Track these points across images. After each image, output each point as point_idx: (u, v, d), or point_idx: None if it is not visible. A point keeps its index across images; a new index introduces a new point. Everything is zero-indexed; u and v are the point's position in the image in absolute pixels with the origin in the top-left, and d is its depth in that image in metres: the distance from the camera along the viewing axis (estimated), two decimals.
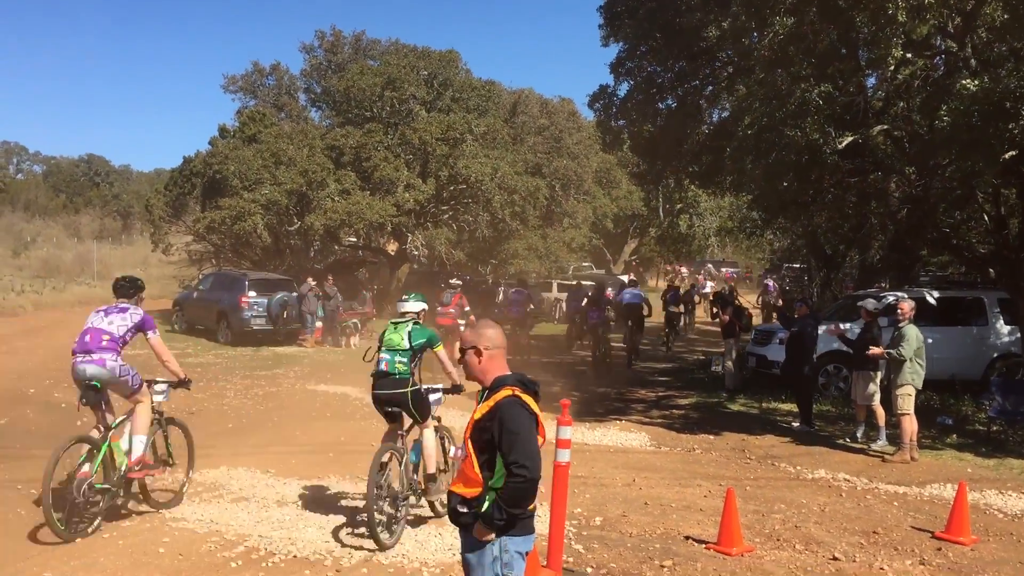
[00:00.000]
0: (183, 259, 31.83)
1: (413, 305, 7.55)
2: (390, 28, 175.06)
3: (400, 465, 7.15)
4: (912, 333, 10.61)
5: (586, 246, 42.63)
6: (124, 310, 7.28)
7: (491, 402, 3.85)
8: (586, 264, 46.38)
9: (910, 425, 10.47)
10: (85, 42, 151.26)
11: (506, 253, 33.25)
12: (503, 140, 28.99)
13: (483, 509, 3.78)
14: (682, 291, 26.43)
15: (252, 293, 21.07)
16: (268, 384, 15.25)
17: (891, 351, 10.68)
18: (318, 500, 8.03)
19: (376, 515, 6.60)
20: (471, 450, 3.86)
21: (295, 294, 21.39)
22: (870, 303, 11.79)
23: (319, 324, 21.43)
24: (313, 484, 8.60)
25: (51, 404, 12.64)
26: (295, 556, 6.49)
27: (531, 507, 3.85)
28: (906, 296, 12.07)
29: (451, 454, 7.27)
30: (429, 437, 7.38)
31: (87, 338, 7.03)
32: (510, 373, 4.00)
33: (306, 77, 36.05)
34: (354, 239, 30.11)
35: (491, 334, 4.06)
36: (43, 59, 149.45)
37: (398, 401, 7.27)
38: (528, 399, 3.86)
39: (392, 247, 30.75)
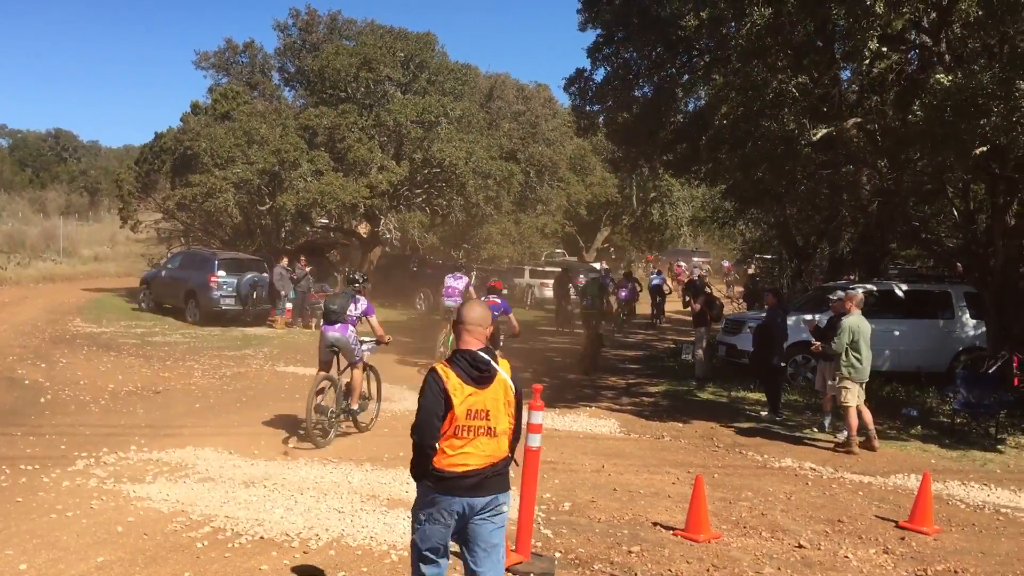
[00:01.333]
0: (151, 237, 31.42)
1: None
2: (366, 8, 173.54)
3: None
4: (847, 326, 10.65)
5: (559, 233, 42.61)
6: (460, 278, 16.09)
7: None
8: (559, 251, 46.38)
9: (853, 419, 10.54)
10: (54, 14, 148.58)
11: (479, 238, 33.15)
12: (478, 124, 28.82)
13: None
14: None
15: (222, 273, 20.83)
16: (236, 365, 15.11)
17: (826, 344, 10.86)
18: (285, 481, 7.98)
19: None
20: None
21: (265, 274, 21.20)
22: (839, 295, 11.87)
23: (289, 305, 21.26)
24: (280, 465, 8.55)
25: (14, 380, 12.44)
26: (262, 537, 6.44)
27: (461, 469, 4.25)
28: (850, 290, 12.09)
29: None
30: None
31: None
32: (469, 349, 4.35)
33: (280, 56, 35.50)
34: (326, 220, 29.87)
35: (470, 312, 4.44)
36: (11, 31, 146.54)
37: (592, 314, 16.63)
38: (448, 372, 4.26)
39: (364, 229, 30.54)
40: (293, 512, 7.05)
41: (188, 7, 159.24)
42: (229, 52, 35.44)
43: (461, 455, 4.26)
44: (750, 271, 33.30)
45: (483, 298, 12.46)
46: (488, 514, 4.35)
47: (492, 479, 4.33)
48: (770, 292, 13.71)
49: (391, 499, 7.57)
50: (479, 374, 4.29)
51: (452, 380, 4.24)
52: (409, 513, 6.95)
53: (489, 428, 4.30)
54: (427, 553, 4.39)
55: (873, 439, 10.63)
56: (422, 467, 4.31)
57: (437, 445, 4.25)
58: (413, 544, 4.46)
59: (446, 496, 4.28)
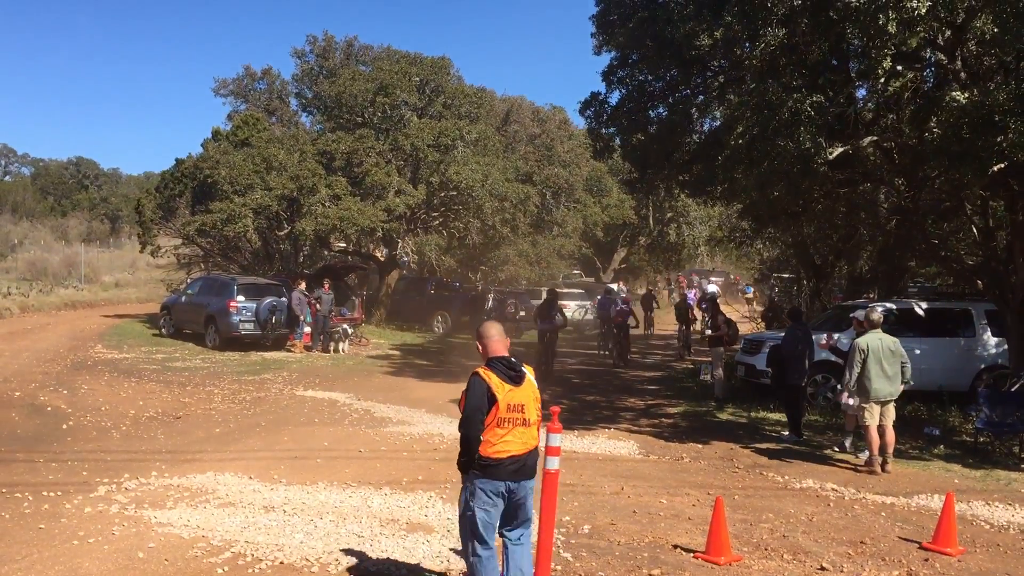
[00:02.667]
0: (171, 263, 31.66)
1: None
2: (382, 34, 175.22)
3: None
4: (855, 346, 10.64)
5: (576, 254, 42.66)
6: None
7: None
8: (576, 272, 46.41)
9: (873, 438, 10.43)
10: (75, 44, 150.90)
11: (496, 260, 33.23)
12: (494, 147, 28.99)
13: None
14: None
15: (241, 298, 20.97)
16: (256, 389, 15.19)
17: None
18: (305, 506, 7.99)
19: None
20: None
21: (284, 299, 21.31)
22: (861, 314, 11.79)
23: (307, 329, 21.35)
24: (300, 490, 8.56)
25: (37, 407, 12.55)
26: (282, 562, 6.45)
27: (505, 455, 5.14)
28: (862, 309, 12.03)
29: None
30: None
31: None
32: (501, 355, 5.29)
33: (297, 82, 35.97)
34: (344, 245, 30.03)
35: (490, 329, 5.41)
36: (33, 60, 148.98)
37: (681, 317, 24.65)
38: (489, 374, 5.18)
39: (381, 253, 30.69)
40: (313, 537, 7.05)
41: (207, 35, 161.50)
42: (247, 79, 35.93)
43: (504, 443, 5.14)
44: (745, 287, 34.66)
45: (617, 307, 21.14)
46: (521, 495, 5.26)
47: (529, 466, 5.28)
48: (786, 314, 13.63)
49: (411, 523, 7.56)
50: (515, 374, 5.24)
51: (494, 380, 5.17)
52: (428, 538, 7.03)
53: (524, 419, 5.21)
54: (482, 533, 5.16)
55: (887, 462, 10.50)
56: (468, 457, 5.16)
57: (482, 437, 5.11)
58: (464, 528, 5.25)
59: (492, 481, 5.13)
